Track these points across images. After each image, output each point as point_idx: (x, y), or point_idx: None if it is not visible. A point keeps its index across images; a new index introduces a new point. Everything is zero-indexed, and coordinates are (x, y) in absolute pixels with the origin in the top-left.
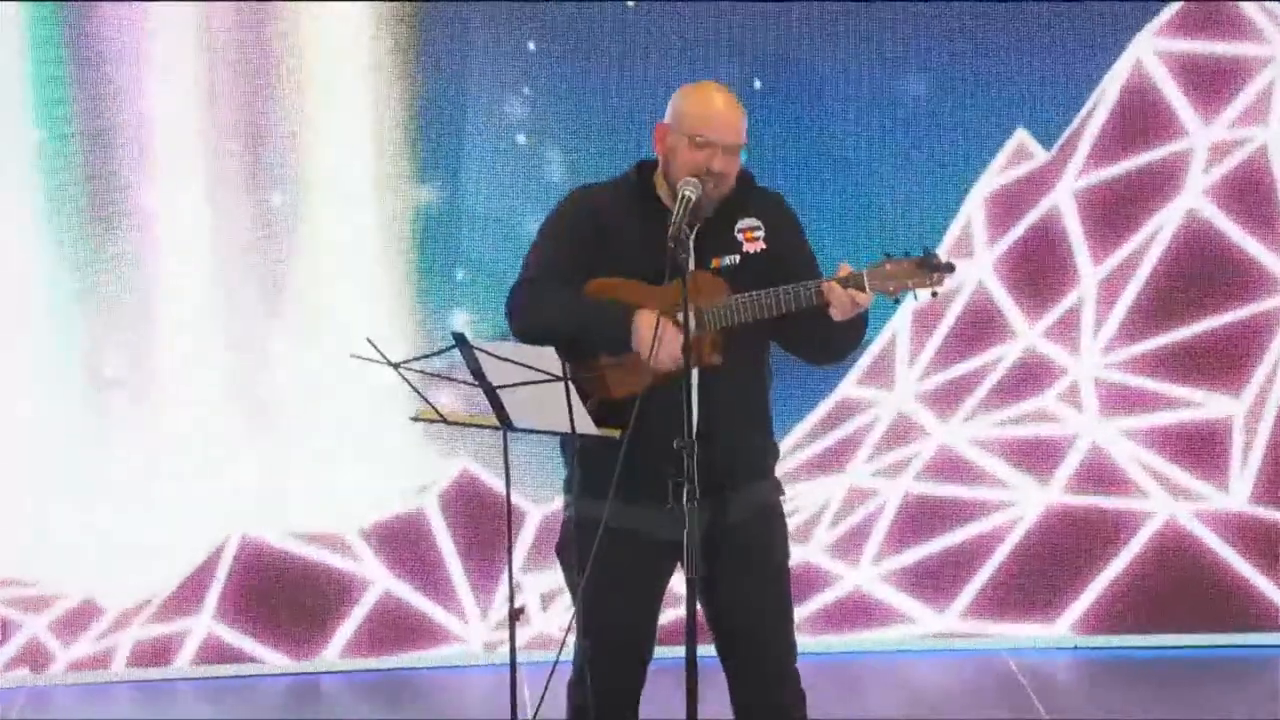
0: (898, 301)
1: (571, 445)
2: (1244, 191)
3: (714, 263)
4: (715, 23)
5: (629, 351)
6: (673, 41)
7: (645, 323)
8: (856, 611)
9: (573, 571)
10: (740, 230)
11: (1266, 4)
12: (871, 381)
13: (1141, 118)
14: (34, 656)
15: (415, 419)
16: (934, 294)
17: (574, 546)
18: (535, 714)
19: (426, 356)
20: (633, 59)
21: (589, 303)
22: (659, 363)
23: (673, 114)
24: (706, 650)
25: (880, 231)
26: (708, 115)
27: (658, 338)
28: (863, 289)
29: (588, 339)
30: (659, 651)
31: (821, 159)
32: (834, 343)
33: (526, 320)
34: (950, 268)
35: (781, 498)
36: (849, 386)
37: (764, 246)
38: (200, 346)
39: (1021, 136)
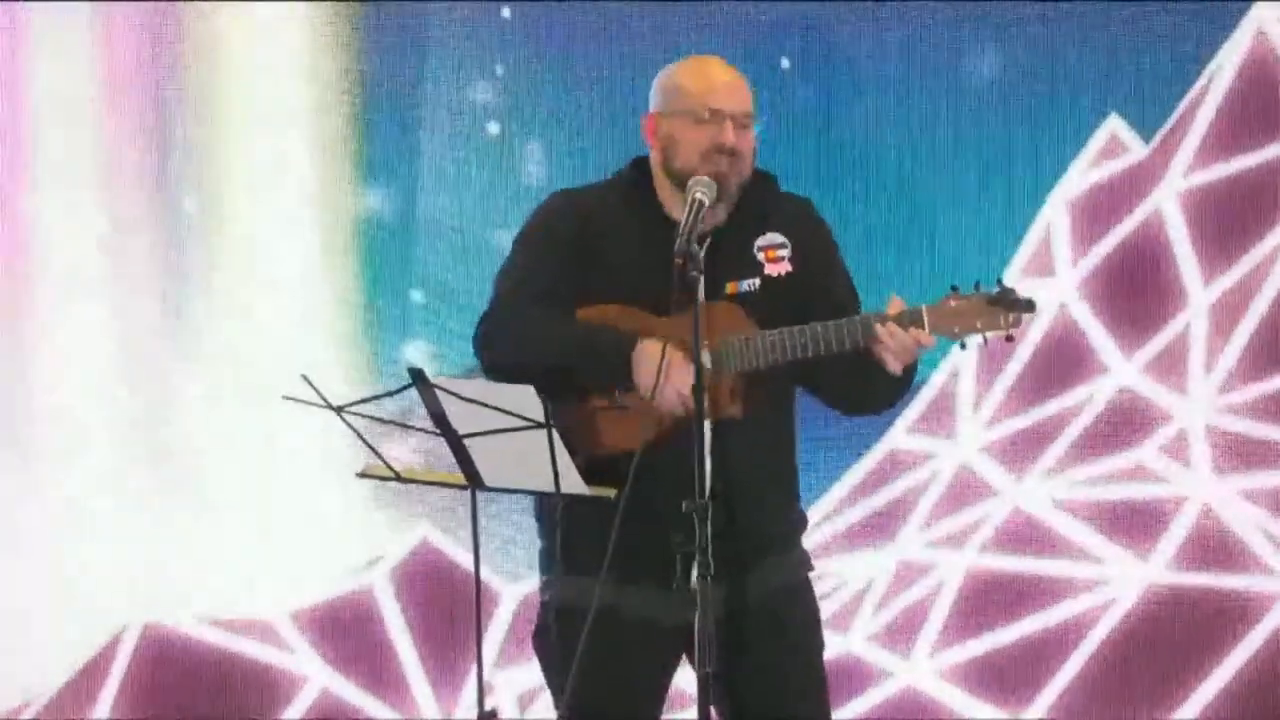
0: (964, 345)
1: (550, 511)
2: None
3: (729, 287)
4: None
5: (627, 391)
6: (680, 7)
7: (650, 353)
8: (909, 714)
9: (554, 667)
10: (761, 248)
11: None
12: (927, 429)
13: (1263, 102)
14: None
15: (362, 475)
16: (1009, 338)
17: (556, 636)
18: None
19: (376, 398)
20: (632, 28)
21: (579, 328)
22: (662, 402)
23: (663, 96)
24: None
25: (938, 248)
26: (708, 82)
27: (662, 369)
28: (922, 328)
29: (577, 373)
30: None
31: (864, 157)
32: (877, 390)
33: (500, 351)
34: (1030, 306)
35: (811, 574)
36: (899, 436)
37: (790, 269)
38: (92, 388)
39: (1114, 126)
